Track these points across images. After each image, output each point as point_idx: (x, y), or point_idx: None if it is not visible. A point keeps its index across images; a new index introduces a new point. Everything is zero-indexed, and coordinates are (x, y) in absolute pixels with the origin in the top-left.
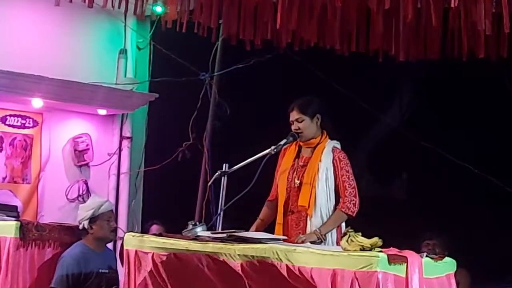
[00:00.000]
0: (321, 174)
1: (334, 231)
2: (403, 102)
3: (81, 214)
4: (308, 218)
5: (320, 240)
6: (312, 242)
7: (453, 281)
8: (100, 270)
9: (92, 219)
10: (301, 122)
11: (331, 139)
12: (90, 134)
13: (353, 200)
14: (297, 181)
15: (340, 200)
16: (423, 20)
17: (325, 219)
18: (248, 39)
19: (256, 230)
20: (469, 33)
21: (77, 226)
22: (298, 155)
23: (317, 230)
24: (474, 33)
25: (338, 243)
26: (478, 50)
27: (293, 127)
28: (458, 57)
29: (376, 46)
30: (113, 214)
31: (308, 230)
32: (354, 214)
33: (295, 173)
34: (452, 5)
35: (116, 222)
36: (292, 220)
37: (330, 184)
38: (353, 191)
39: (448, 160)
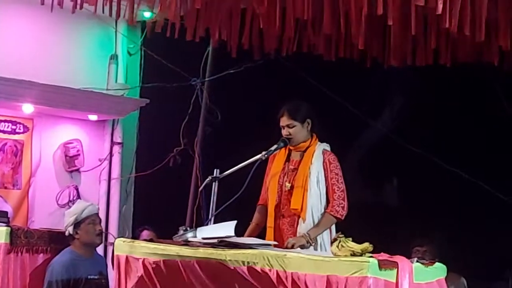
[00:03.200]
0: (313, 177)
1: (326, 234)
2: (393, 107)
3: (66, 221)
4: (301, 221)
5: (309, 244)
6: (301, 246)
7: (444, 286)
8: (89, 276)
9: (76, 224)
10: (292, 128)
11: (321, 141)
12: (81, 139)
13: (342, 203)
14: (288, 185)
15: (329, 203)
16: (412, 25)
17: (316, 222)
18: (237, 45)
19: (251, 235)
20: (458, 39)
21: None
22: (288, 159)
23: (306, 234)
24: (464, 40)
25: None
26: (467, 56)
27: (283, 132)
28: (445, 62)
29: (366, 51)
30: (98, 218)
31: (299, 233)
32: (343, 218)
33: (285, 176)
34: (439, 12)
35: (107, 227)
36: (284, 224)
37: (321, 187)
38: (341, 194)
39: (439, 166)
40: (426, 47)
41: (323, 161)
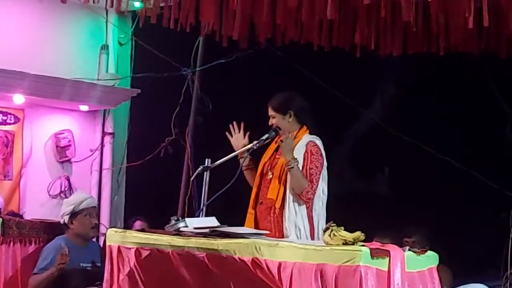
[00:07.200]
0: None
1: (307, 226)
2: (385, 97)
3: (63, 209)
4: (277, 211)
5: (290, 163)
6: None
7: (435, 274)
8: (81, 264)
9: (73, 215)
10: (274, 118)
11: (312, 131)
12: (72, 130)
13: (311, 197)
14: (270, 174)
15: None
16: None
17: (297, 211)
18: (228, 35)
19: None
20: (450, 28)
21: (59, 222)
22: (277, 149)
23: (297, 161)
24: (456, 28)
25: (312, 236)
26: (460, 44)
27: (270, 122)
28: (438, 51)
29: (357, 41)
30: (95, 211)
31: (286, 222)
32: (304, 199)
33: (269, 166)
34: None
35: (99, 218)
36: (260, 211)
37: None
38: (314, 187)
39: (430, 154)
40: (418, 35)
41: (305, 151)
